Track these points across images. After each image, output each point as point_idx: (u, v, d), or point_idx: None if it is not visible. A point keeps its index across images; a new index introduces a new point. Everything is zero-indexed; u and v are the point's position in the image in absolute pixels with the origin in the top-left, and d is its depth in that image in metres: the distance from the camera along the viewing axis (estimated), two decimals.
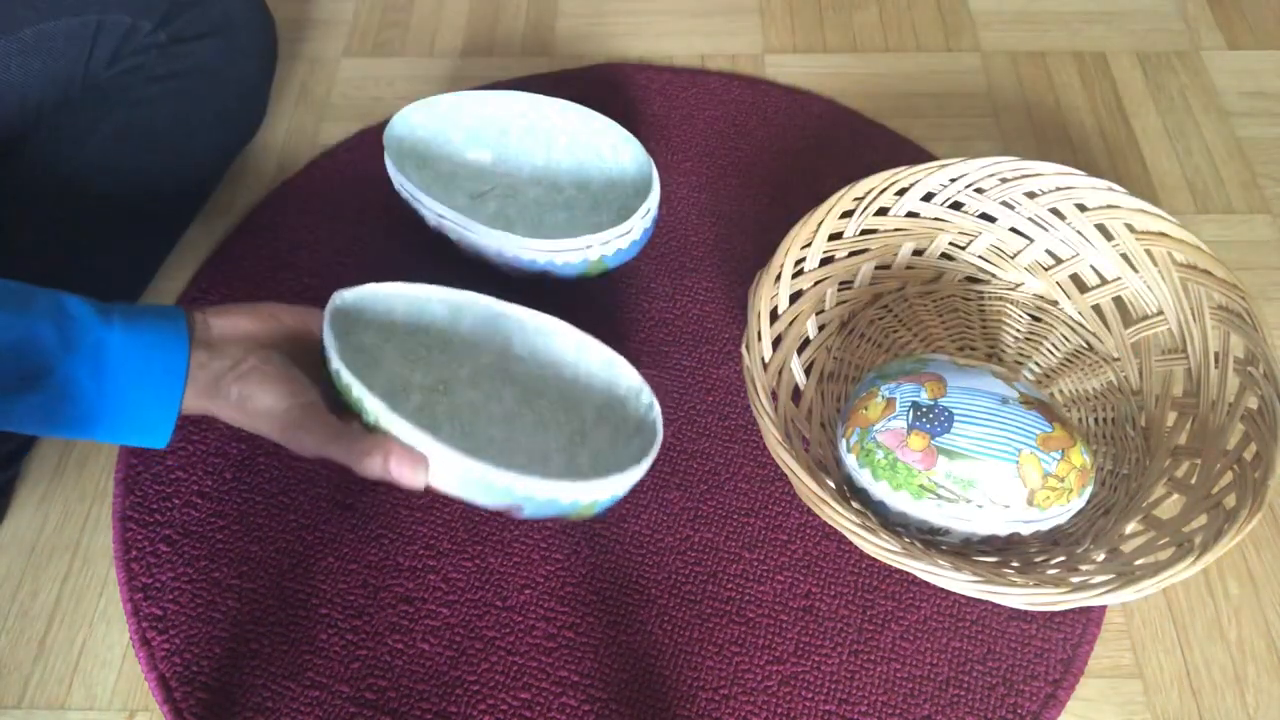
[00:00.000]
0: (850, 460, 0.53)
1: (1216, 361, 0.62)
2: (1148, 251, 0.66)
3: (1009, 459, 0.48)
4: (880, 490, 0.50)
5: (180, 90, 0.70)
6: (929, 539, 0.49)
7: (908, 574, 0.56)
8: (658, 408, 0.55)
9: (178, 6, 0.69)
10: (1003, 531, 0.49)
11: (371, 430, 0.48)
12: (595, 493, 0.49)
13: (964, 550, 0.50)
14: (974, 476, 0.47)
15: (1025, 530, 0.50)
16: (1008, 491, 0.48)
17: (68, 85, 0.67)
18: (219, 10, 0.72)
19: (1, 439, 0.64)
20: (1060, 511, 0.50)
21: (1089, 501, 0.54)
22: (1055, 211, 0.68)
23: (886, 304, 0.72)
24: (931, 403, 0.49)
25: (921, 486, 0.49)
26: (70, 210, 0.66)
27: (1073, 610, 0.60)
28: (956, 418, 0.49)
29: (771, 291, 0.63)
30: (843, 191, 0.66)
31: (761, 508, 0.64)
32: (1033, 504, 0.48)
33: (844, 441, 0.54)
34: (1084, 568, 0.56)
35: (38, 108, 0.66)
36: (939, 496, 0.48)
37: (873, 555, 0.52)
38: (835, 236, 0.68)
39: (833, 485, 0.60)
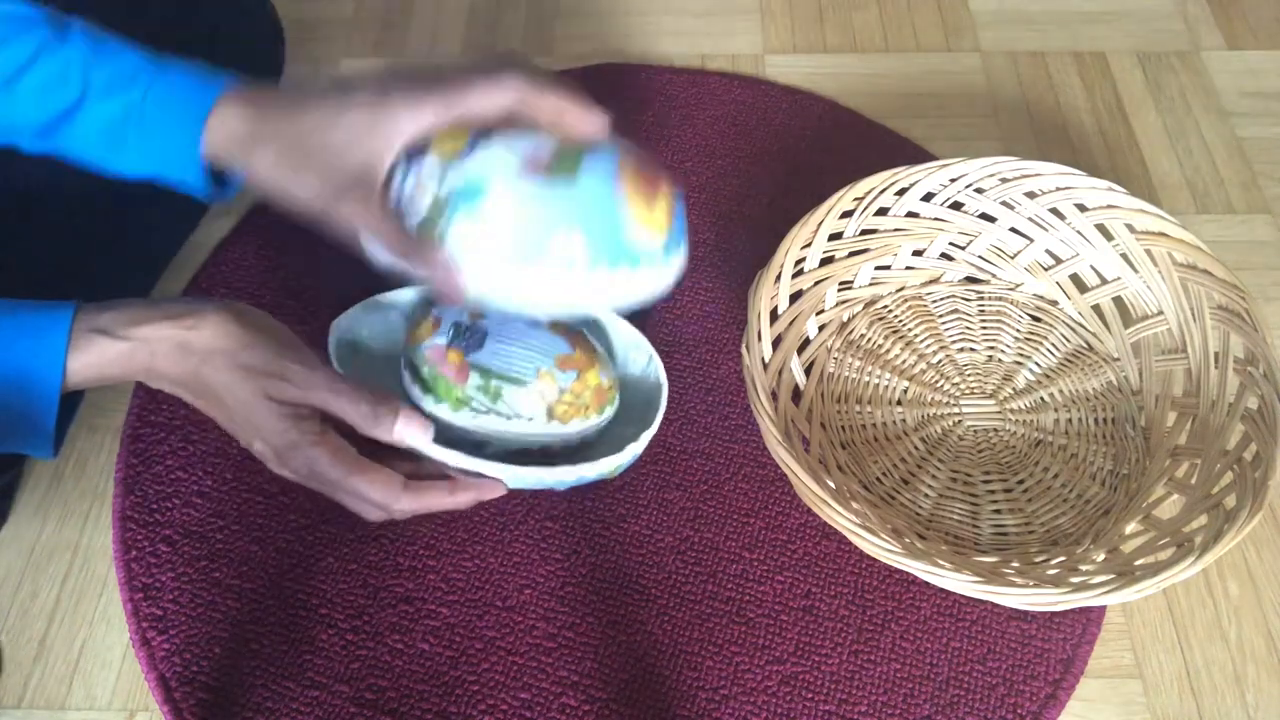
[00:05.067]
0: (405, 375, 0.57)
1: (1216, 361, 0.62)
2: (1148, 251, 0.66)
3: (528, 375, 0.53)
4: (428, 403, 0.54)
5: None
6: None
7: (908, 574, 0.56)
8: (658, 360, 0.61)
9: (185, 14, 0.69)
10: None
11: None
12: (617, 460, 0.55)
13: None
14: (500, 390, 0.53)
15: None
16: (530, 405, 0.53)
17: None
18: (227, 18, 0.72)
19: None
20: (583, 425, 0.55)
21: (613, 418, 0.59)
22: (1055, 211, 0.68)
23: (887, 304, 0.72)
24: (471, 323, 0.55)
25: (458, 399, 0.53)
26: (76, 212, 0.66)
27: (1073, 610, 0.60)
28: (490, 337, 0.54)
29: (771, 291, 0.63)
30: (843, 191, 0.66)
31: (761, 508, 0.64)
32: (554, 417, 0.54)
33: (401, 358, 0.58)
34: (1084, 568, 0.56)
35: None
36: (472, 409, 0.53)
37: (873, 555, 0.52)
38: (835, 236, 0.68)
39: (833, 485, 0.60)
